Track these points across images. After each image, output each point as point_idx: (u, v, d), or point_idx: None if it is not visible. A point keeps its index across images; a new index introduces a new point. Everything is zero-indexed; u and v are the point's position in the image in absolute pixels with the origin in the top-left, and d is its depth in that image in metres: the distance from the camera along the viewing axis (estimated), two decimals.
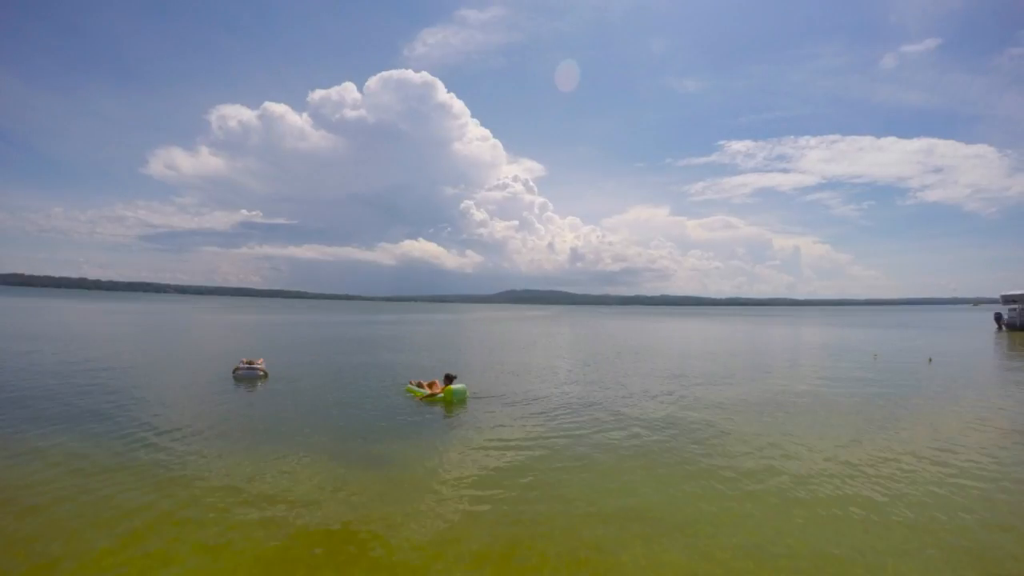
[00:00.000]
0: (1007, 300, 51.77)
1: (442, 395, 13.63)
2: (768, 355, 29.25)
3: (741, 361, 25.99)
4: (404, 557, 5.85)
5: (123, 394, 14.24)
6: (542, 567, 5.73)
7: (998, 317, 52.60)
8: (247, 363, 17.24)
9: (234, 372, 17.01)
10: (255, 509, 6.94)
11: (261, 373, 17.03)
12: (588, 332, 49.54)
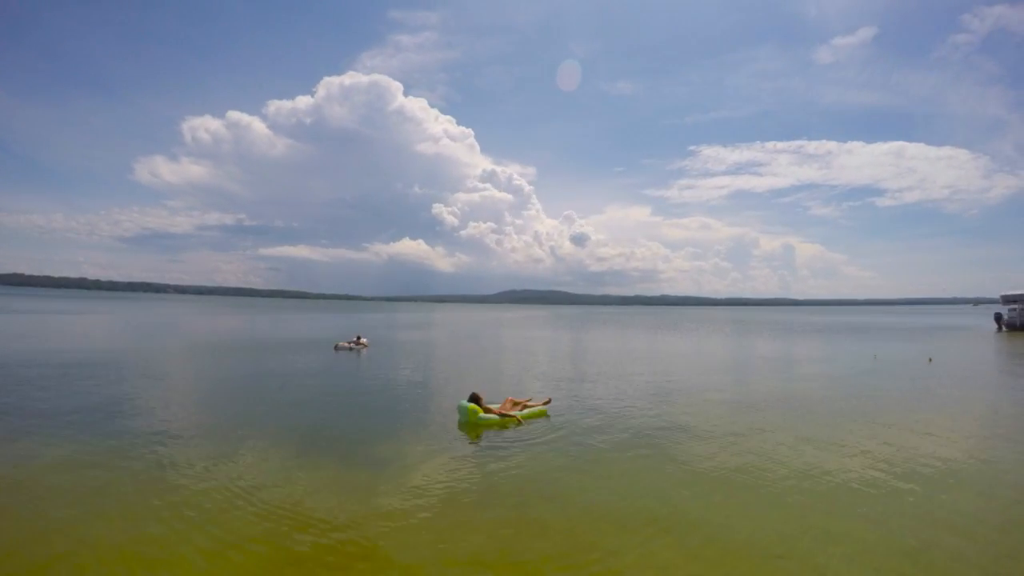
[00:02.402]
0: (1007, 300, 51.84)
1: (537, 411, 12.80)
2: (768, 355, 29.22)
3: (741, 362, 25.97)
4: (403, 558, 5.84)
5: (123, 395, 14.23)
6: (541, 568, 5.72)
7: (998, 317, 52.66)
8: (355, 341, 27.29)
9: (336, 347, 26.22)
10: (256, 509, 6.93)
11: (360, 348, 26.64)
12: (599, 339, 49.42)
